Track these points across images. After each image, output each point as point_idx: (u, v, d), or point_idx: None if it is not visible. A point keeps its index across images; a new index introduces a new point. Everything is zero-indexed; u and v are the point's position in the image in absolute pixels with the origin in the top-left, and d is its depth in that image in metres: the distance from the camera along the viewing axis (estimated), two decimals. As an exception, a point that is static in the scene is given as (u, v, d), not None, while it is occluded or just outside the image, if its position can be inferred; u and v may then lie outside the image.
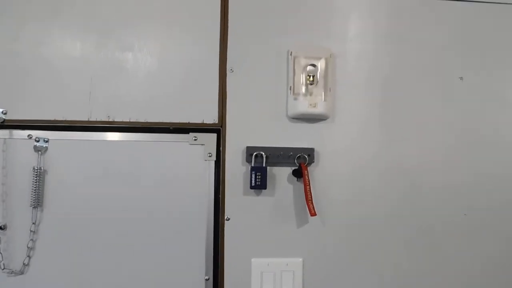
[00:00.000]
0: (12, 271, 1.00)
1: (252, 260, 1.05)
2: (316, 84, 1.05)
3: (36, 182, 1.00)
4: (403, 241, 1.09)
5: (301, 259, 1.06)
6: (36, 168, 1.00)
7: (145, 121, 1.04)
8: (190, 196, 1.04)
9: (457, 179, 1.11)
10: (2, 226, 1.00)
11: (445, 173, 1.10)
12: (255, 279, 1.04)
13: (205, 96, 1.06)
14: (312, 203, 1.02)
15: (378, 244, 1.08)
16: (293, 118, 1.07)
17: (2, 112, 1.01)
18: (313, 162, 1.06)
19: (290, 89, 1.05)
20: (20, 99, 1.02)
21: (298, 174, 1.04)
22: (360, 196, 1.08)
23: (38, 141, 1.02)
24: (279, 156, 1.05)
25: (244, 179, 1.05)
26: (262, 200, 1.05)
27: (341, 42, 1.10)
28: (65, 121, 1.03)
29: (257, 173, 1.02)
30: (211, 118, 1.06)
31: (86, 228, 1.02)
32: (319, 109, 1.04)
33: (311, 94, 1.05)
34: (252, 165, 1.03)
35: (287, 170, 1.06)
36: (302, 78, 1.05)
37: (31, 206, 1.00)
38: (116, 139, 1.04)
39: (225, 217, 1.04)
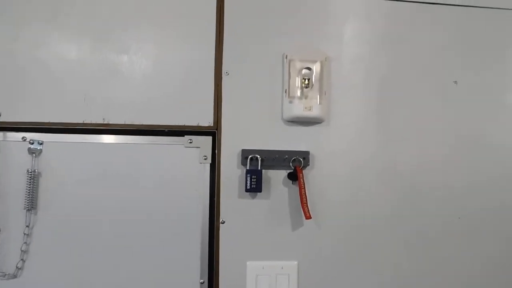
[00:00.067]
0: (5, 275, 0.99)
1: (247, 263, 1.04)
2: (312, 87, 1.05)
3: (30, 184, 0.99)
4: (399, 243, 1.09)
5: (296, 262, 1.06)
6: (30, 171, 1.00)
7: (141, 123, 1.04)
8: (185, 199, 1.04)
9: (454, 180, 1.11)
10: (-4, 229, 1.00)
11: (442, 174, 1.11)
12: (250, 282, 1.04)
13: (201, 98, 1.06)
14: (307, 206, 1.02)
15: (373, 247, 1.08)
16: (289, 121, 1.07)
17: (-4, 114, 1.01)
18: (308, 165, 1.06)
19: (286, 92, 1.06)
20: (15, 101, 1.02)
21: (293, 177, 1.05)
22: (356, 199, 1.08)
23: (32, 143, 1.01)
24: (274, 159, 1.05)
25: (239, 182, 1.05)
26: (257, 203, 1.05)
27: (337, 45, 1.10)
28: (60, 123, 1.02)
29: (253, 176, 1.02)
30: (207, 121, 1.06)
31: (80, 231, 1.02)
32: (314, 112, 1.05)
33: (306, 97, 1.05)
34: (248, 168, 1.03)
35: (283, 173, 1.06)
36: (298, 81, 1.05)
37: (25, 208, 1.00)
38: (111, 141, 1.04)
39: (220, 220, 1.04)
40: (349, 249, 1.07)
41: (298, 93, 1.05)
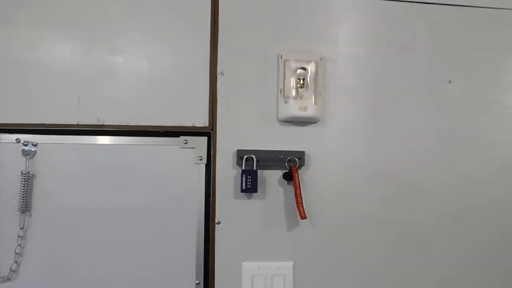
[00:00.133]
0: None
1: (243, 264, 1.04)
2: (307, 87, 1.05)
3: (24, 186, 0.99)
4: (394, 242, 1.09)
5: (292, 263, 1.05)
6: (24, 172, 0.99)
7: (136, 124, 1.04)
8: (181, 200, 1.04)
9: (447, 180, 1.11)
10: (-11, 231, 0.99)
11: (435, 174, 1.11)
12: (246, 283, 1.04)
13: (196, 99, 1.06)
14: (302, 206, 1.02)
15: (369, 246, 1.08)
16: (284, 121, 1.07)
17: (-11, 115, 1.01)
18: (304, 165, 1.06)
19: (281, 92, 1.06)
20: (8, 102, 1.01)
21: (289, 177, 1.04)
22: (351, 199, 1.08)
23: (26, 145, 1.01)
24: (269, 159, 1.05)
25: (234, 182, 1.05)
26: (252, 203, 1.05)
27: (332, 46, 1.10)
28: (54, 124, 1.02)
29: (248, 177, 1.02)
30: (202, 121, 1.05)
31: (75, 233, 1.01)
32: (310, 112, 1.05)
33: (301, 97, 1.05)
34: (243, 168, 1.03)
35: (278, 174, 1.06)
36: (293, 81, 1.05)
37: (19, 210, 0.99)
38: (106, 142, 1.03)
39: (216, 221, 1.04)
40: (344, 249, 1.07)
41: (293, 93, 1.05)
